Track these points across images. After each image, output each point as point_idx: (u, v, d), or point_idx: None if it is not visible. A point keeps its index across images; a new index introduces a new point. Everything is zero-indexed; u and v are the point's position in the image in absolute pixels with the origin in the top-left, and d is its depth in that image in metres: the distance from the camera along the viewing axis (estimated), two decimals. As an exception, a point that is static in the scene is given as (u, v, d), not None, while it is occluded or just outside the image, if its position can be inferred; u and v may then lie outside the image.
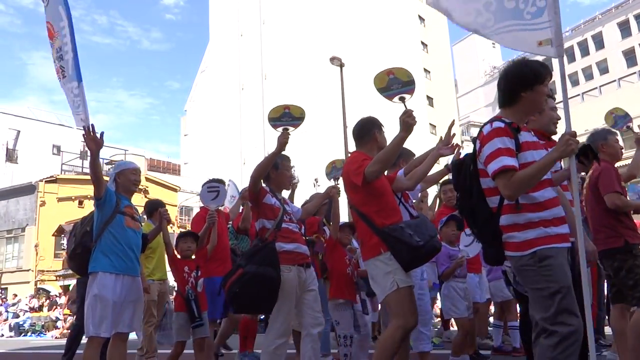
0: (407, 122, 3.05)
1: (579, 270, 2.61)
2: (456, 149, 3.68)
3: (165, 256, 5.32)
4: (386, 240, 3.09)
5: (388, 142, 3.30)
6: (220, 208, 4.98)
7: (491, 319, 6.03)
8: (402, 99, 3.28)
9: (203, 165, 39.73)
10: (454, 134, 3.73)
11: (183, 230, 6.02)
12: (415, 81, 3.32)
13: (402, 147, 3.20)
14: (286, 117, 3.63)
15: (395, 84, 3.27)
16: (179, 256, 4.48)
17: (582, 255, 2.57)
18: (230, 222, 5.72)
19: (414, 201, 4.08)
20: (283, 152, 3.75)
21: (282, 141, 3.48)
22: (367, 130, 3.47)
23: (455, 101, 43.72)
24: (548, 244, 2.38)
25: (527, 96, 2.50)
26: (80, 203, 25.06)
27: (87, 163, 24.20)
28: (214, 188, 4.75)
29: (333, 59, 18.11)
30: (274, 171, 3.77)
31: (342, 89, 17.43)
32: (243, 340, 5.48)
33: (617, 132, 4.17)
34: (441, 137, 3.77)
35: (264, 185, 3.71)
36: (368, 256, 3.20)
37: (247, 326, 5.48)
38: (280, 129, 3.59)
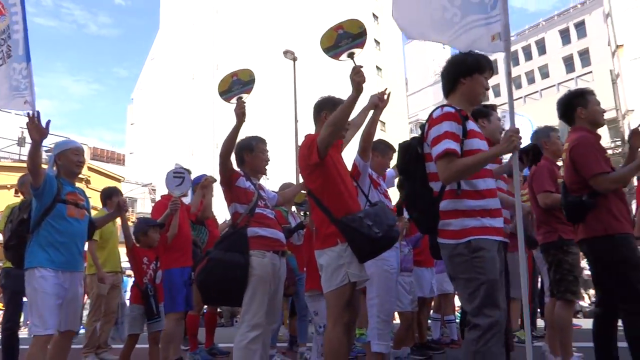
0: (356, 80, 2.81)
1: (506, 264, 2.73)
2: (386, 95, 3.55)
3: (118, 248, 5.15)
4: (344, 231, 2.90)
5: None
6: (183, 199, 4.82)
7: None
8: (351, 55, 3.02)
9: (149, 155, 38.66)
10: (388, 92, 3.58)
11: (144, 218, 5.74)
12: (367, 31, 3.01)
13: (352, 108, 2.93)
14: (236, 86, 3.39)
15: (344, 39, 3.02)
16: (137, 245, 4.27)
17: (521, 247, 2.66)
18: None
19: (386, 188, 4.00)
20: (259, 135, 3.62)
21: (239, 112, 3.24)
22: (319, 110, 3.25)
23: (406, 99, 44.49)
24: (483, 235, 2.41)
25: (466, 83, 2.60)
26: (17, 192, 23.83)
27: (25, 150, 23.01)
28: (179, 174, 4.59)
29: (286, 52, 18.00)
30: (249, 154, 3.58)
31: (294, 83, 17.37)
32: (192, 337, 5.28)
33: (557, 129, 4.26)
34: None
35: (237, 168, 3.53)
36: (322, 246, 3.00)
37: (195, 322, 5.36)
38: (234, 100, 3.37)
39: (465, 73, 2.60)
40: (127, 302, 5.38)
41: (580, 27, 41.83)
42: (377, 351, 3.66)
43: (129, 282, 11.81)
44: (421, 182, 2.58)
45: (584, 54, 41.39)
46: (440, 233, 2.51)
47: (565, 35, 43.39)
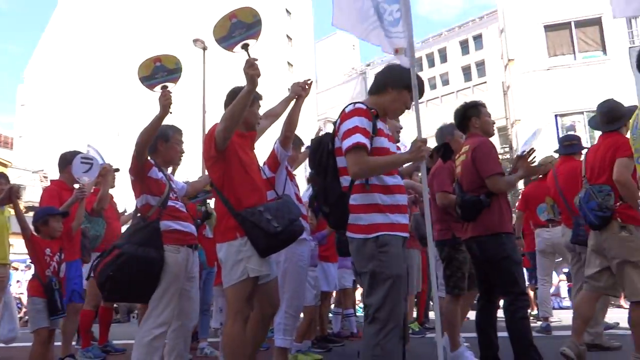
0: (250, 73, 2.75)
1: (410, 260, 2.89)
2: (309, 85, 3.59)
3: (7, 238, 4.77)
4: (243, 225, 2.85)
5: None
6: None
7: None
8: (245, 47, 2.94)
9: (41, 139, 35.80)
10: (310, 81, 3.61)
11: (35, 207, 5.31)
12: (262, 23, 2.91)
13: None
14: (160, 73, 3.20)
15: (238, 28, 2.92)
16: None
17: (431, 243, 2.84)
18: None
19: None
20: (176, 125, 3.47)
21: (165, 103, 3.06)
22: (227, 103, 3.12)
23: (315, 97, 45.05)
24: (391, 231, 2.49)
25: (392, 93, 2.68)
26: None
27: None
28: (87, 160, 4.26)
29: (196, 41, 17.54)
30: (163, 143, 3.42)
31: (203, 73, 16.95)
32: (85, 333, 5.00)
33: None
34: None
35: (149, 157, 3.34)
36: (222, 239, 2.94)
37: (89, 317, 5.06)
38: (157, 89, 3.18)
39: (394, 84, 2.69)
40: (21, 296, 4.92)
41: (478, 39, 44.71)
42: (280, 346, 3.68)
43: (14, 274, 10.88)
44: (332, 176, 2.62)
45: (481, 65, 44.32)
46: (350, 227, 2.56)
47: (464, 46, 46.16)
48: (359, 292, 10.11)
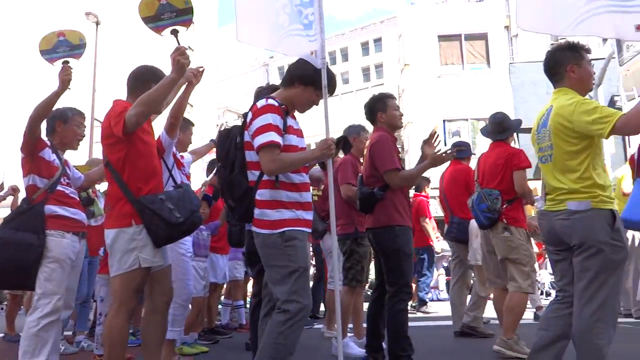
0: (179, 61, 2.64)
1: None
2: (201, 72, 3.49)
3: None
4: (141, 212, 2.70)
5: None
6: None
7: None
8: (175, 33, 2.88)
9: None
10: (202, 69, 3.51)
11: None
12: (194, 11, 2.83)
13: (169, 91, 2.78)
14: (62, 47, 3.09)
15: (167, 11, 2.84)
16: None
17: (334, 237, 2.92)
18: None
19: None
20: (77, 108, 3.29)
21: (64, 78, 2.93)
22: (141, 80, 2.94)
23: (216, 85, 44.02)
24: (296, 226, 2.54)
25: (298, 88, 2.69)
26: None
27: None
28: None
29: (88, 14, 16.38)
30: (62, 124, 3.26)
31: (95, 49, 15.84)
32: None
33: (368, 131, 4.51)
34: None
35: (45, 137, 3.12)
36: (114, 225, 2.76)
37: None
38: (58, 63, 3.02)
39: (302, 80, 2.70)
40: None
41: (378, 42, 46.42)
42: (169, 338, 3.56)
43: None
44: (240, 170, 2.61)
45: (379, 67, 46.07)
46: (256, 222, 2.57)
47: (365, 48, 47.66)
48: (250, 284, 10.12)
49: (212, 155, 4.57)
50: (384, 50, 45.25)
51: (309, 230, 2.64)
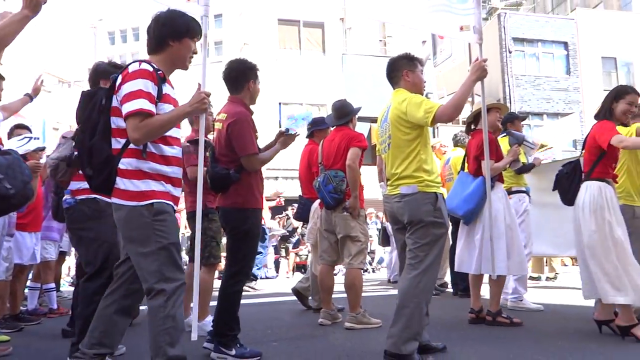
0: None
1: None
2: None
3: None
4: None
5: None
6: None
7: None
8: None
9: None
10: None
11: None
12: None
13: (20, 29, 2.46)
14: None
15: None
16: None
17: (199, 214, 2.84)
18: None
19: None
20: None
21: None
22: None
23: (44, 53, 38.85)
24: (166, 199, 2.40)
25: (175, 46, 2.48)
26: None
27: None
28: None
29: None
30: None
31: None
32: None
33: None
34: None
35: None
36: None
37: None
38: None
39: (174, 36, 2.47)
40: None
41: (219, 18, 45.28)
42: None
43: None
44: (101, 136, 2.37)
45: (219, 44, 45.11)
46: (118, 193, 2.36)
47: (112, 37, 45.14)
48: (66, 265, 9.26)
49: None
50: (224, 27, 44.44)
51: (176, 207, 2.51)
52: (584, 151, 3.90)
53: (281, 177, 16.41)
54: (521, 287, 5.11)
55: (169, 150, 2.44)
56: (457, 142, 6.33)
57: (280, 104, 18.51)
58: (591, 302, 3.93)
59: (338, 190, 4.24)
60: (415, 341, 2.94)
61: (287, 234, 11.56)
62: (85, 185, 2.95)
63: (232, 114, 3.34)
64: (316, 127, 5.30)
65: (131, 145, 2.36)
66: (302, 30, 19.87)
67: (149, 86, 2.33)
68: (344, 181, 4.25)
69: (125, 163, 2.36)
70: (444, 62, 22.49)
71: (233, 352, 3.21)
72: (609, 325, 3.66)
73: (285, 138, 3.49)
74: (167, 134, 2.42)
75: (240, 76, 3.49)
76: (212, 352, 3.24)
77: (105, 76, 3.02)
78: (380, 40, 23.38)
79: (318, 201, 4.73)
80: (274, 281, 10.04)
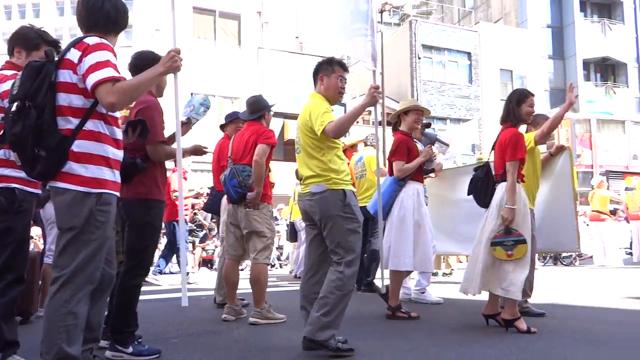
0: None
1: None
2: None
3: None
4: None
5: None
6: None
7: None
8: None
9: None
10: None
11: None
12: None
13: None
14: None
15: None
16: None
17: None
18: None
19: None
20: None
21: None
22: None
23: None
24: (113, 190, 2.35)
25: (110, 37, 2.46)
26: None
27: None
28: None
29: None
30: None
31: None
32: None
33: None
34: None
35: None
36: None
37: None
38: None
39: (107, 29, 2.45)
40: None
41: (129, 2, 43.16)
42: None
43: None
44: (51, 115, 2.20)
45: (128, 28, 42.79)
46: (65, 177, 2.23)
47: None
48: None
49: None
50: (135, 12, 42.37)
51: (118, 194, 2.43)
52: (492, 153, 4.11)
53: (191, 170, 15.99)
54: (424, 281, 5.43)
55: (118, 133, 2.41)
56: (366, 143, 6.61)
57: (192, 94, 17.85)
58: (484, 297, 4.18)
59: (242, 185, 4.20)
60: (332, 329, 3.04)
61: (194, 227, 11.29)
62: (2, 171, 2.73)
63: (141, 101, 3.24)
64: (229, 119, 5.37)
65: (86, 127, 2.26)
66: (217, 21, 19.45)
67: (113, 59, 2.31)
68: (250, 176, 4.22)
69: (80, 145, 2.25)
70: (357, 63, 23.06)
71: (130, 349, 3.06)
72: (495, 318, 3.94)
73: (184, 127, 3.50)
74: (111, 115, 2.38)
75: (148, 67, 3.35)
76: (107, 351, 3.07)
77: (28, 45, 2.93)
78: (297, 37, 23.47)
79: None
80: (176, 276, 9.74)
